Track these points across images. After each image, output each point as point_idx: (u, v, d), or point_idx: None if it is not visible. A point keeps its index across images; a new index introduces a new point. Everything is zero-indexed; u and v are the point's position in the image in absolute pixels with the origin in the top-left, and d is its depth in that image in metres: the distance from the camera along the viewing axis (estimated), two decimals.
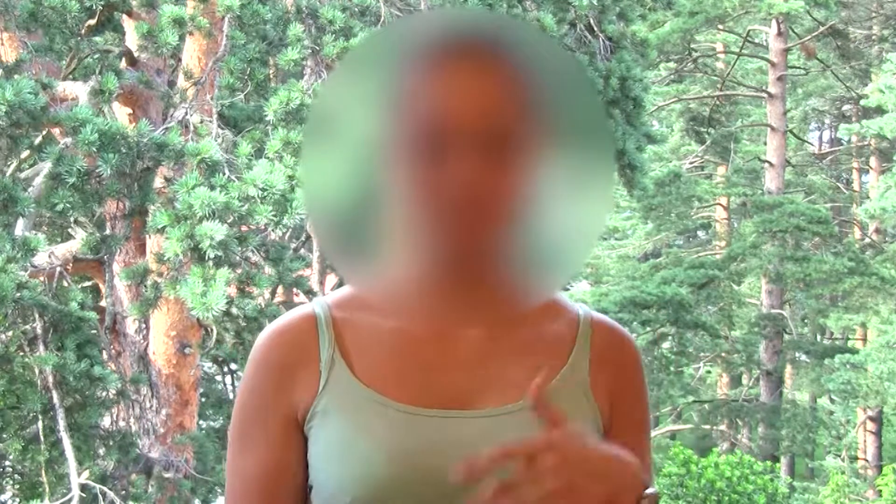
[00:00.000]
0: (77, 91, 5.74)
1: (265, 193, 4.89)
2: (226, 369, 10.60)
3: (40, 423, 5.71)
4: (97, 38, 7.43)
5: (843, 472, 15.67)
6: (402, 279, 1.23)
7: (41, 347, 5.44)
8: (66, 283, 6.14)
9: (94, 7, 5.87)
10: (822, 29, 19.21)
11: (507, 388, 1.22)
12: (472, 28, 1.18)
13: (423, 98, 1.14)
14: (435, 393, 1.22)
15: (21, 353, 5.58)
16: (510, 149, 1.14)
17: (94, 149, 4.81)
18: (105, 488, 5.62)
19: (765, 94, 18.76)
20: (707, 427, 18.84)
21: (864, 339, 20.29)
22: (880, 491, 14.05)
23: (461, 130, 1.13)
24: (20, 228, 5.18)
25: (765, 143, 19.38)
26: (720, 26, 18.65)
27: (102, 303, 6.75)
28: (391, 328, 1.25)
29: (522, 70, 1.16)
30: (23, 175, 5.84)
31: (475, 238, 1.16)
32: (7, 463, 8.33)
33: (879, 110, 15.22)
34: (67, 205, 4.88)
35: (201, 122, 5.64)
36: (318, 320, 1.27)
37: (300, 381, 1.23)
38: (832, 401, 18.99)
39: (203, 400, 9.45)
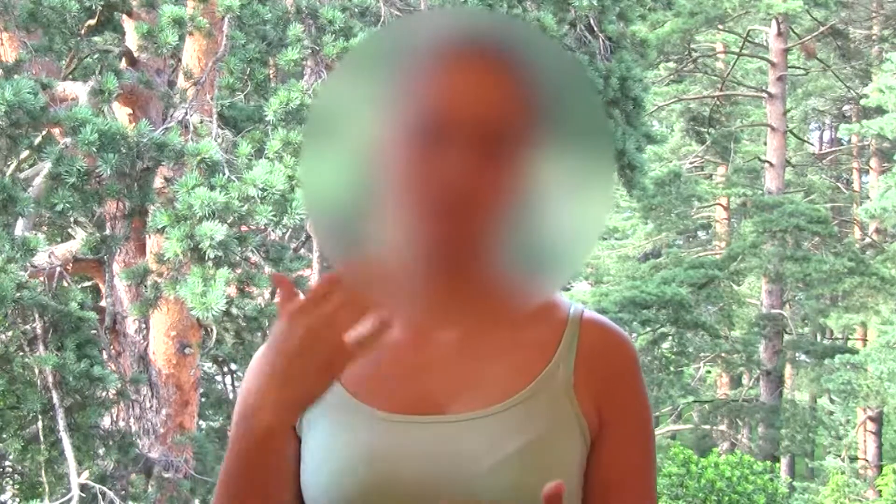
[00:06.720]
0: (77, 91, 5.74)
1: (265, 193, 4.89)
2: (226, 369, 10.59)
3: (40, 423, 5.71)
4: (97, 38, 7.43)
5: (843, 472, 15.68)
6: (393, 277, 1.22)
7: (41, 347, 5.44)
8: (66, 283, 6.14)
9: (94, 7, 5.87)
10: (822, 29, 19.21)
11: (484, 392, 1.20)
12: (473, 27, 1.19)
13: (423, 93, 1.15)
14: (411, 398, 1.21)
15: (21, 353, 5.59)
16: (505, 146, 1.15)
17: (94, 149, 4.81)
18: (105, 488, 5.62)
19: (765, 94, 18.76)
20: (707, 427, 18.84)
21: (864, 339, 20.29)
22: (880, 491, 14.07)
23: (457, 124, 1.13)
24: (20, 228, 5.17)
25: (765, 143, 19.38)
26: (720, 26, 18.64)
27: (102, 303, 6.75)
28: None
29: (522, 70, 1.16)
30: (23, 175, 5.84)
31: (461, 231, 1.15)
32: (7, 463, 8.33)
33: (879, 110, 15.22)
34: (67, 205, 4.88)
35: (201, 122, 5.64)
36: None
37: None
38: (832, 401, 18.98)
39: (203, 400, 9.45)
